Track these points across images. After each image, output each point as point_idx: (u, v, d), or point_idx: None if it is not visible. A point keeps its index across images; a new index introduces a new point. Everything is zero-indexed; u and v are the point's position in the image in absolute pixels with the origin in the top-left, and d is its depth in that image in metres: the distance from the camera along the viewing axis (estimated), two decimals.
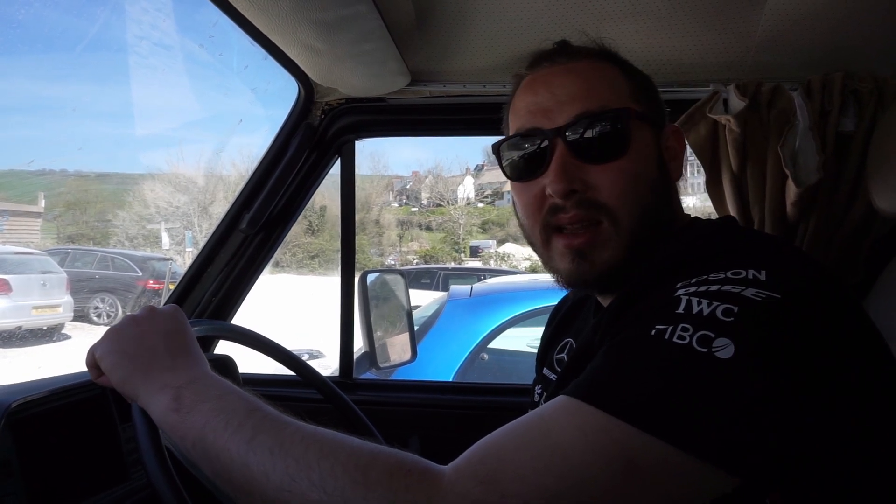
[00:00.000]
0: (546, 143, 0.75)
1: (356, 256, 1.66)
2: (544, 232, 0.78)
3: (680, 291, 0.59)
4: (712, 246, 0.69)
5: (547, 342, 1.04)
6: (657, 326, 0.57)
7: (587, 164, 0.74)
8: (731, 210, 1.25)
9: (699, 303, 0.57)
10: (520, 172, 0.80)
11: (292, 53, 1.21)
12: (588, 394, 0.55)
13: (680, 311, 0.57)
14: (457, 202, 39.66)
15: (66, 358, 8.49)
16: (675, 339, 0.55)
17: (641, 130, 0.77)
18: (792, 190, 1.15)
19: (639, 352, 0.57)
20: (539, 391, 0.97)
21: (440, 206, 40.21)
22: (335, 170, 1.58)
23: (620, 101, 0.76)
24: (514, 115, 0.82)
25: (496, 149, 0.82)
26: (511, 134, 0.81)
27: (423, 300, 4.77)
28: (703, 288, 0.58)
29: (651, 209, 0.75)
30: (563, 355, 0.95)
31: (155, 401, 0.70)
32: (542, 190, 0.76)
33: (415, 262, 30.35)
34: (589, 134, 0.74)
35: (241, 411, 0.66)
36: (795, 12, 1.09)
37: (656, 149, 0.79)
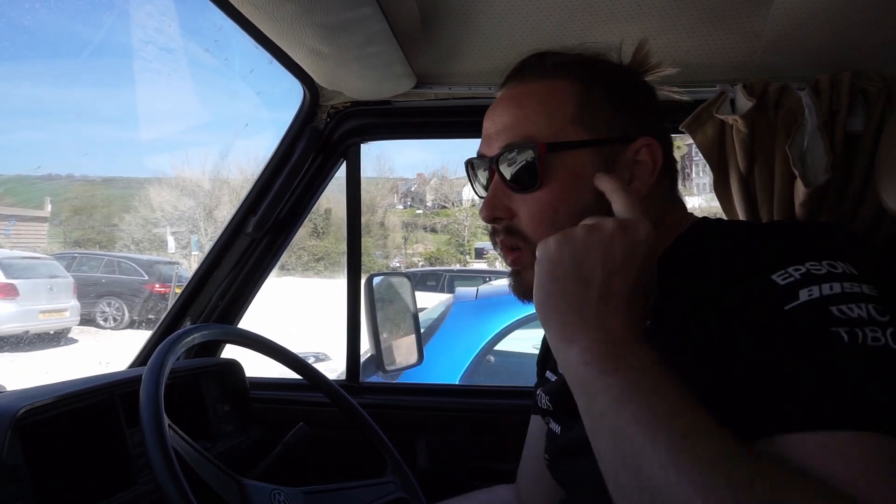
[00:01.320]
0: (487, 170, 0.81)
1: (362, 262, 1.66)
2: (495, 246, 0.84)
3: (805, 296, 0.57)
4: (775, 237, 0.66)
5: (548, 344, 1.03)
6: (838, 329, 0.54)
7: (513, 193, 0.78)
8: (739, 211, 1.24)
9: (849, 308, 0.55)
10: (478, 192, 0.86)
11: (297, 57, 1.21)
12: (854, 419, 0.50)
13: (842, 317, 0.55)
14: (462, 204, 39.69)
15: (74, 362, 8.53)
16: (869, 342, 0.53)
17: (571, 158, 0.75)
18: (801, 190, 1.15)
19: (853, 360, 0.53)
20: (541, 392, 0.96)
21: (445, 207, 40.25)
22: (340, 172, 1.58)
23: (551, 130, 0.76)
24: None
25: (466, 166, 0.87)
26: None
27: (429, 302, 4.76)
28: (826, 288, 0.57)
29: None
30: None
31: (565, 352, 0.59)
32: None
33: (420, 264, 30.37)
34: (511, 165, 0.77)
35: (676, 398, 0.53)
36: (803, 11, 1.08)
37: (598, 171, 0.76)
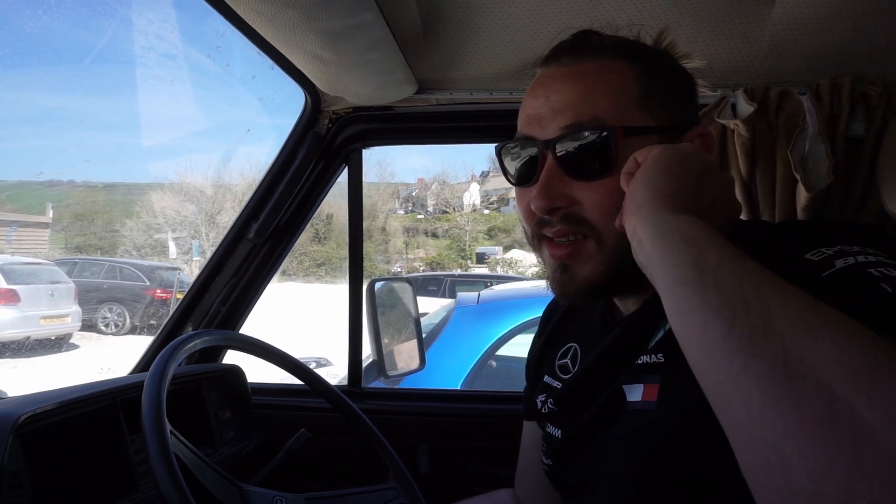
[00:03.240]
0: (537, 153, 0.73)
1: (363, 267, 1.66)
2: (536, 239, 0.78)
3: (841, 263, 0.54)
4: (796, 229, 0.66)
5: (543, 347, 1.00)
6: (881, 284, 0.50)
7: (574, 180, 0.71)
8: (741, 215, 1.24)
9: (888, 269, 0.52)
10: (517, 178, 0.79)
11: (299, 63, 1.21)
12: None
13: (883, 276, 0.51)
14: (462, 209, 39.73)
15: (75, 368, 8.53)
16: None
17: (638, 144, 0.70)
18: (802, 195, 1.15)
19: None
20: (542, 399, 0.93)
21: (446, 212, 40.28)
22: (342, 178, 1.59)
23: (618, 112, 0.71)
24: (519, 116, 0.79)
25: (498, 151, 0.81)
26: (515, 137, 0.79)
27: (431, 307, 4.76)
28: (861, 257, 0.55)
29: None
30: (567, 361, 0.92)
31: (672, 215, 0.59)
32: None
33: (421, 269, 30.38)
34: (576, 149, 0.70)
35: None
36: (803, 16, 1.08)
37: None
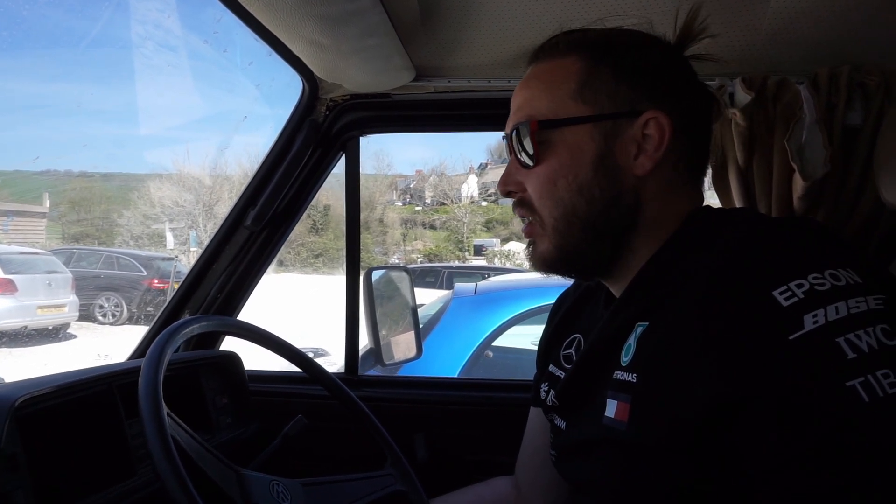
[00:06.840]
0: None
1: (360, 256, 1.66)
2: None
3: (810, 323, 0.57)
4: (766, 245, 0.65)
5: (549, 339, 1.03)
6: (853, 382, 0.53)
7: (522, 169, 0.82)
8: (738, 205, 1.25)
9: (857, 337, 0.55)
10: None
11: (297, 49, 1.21)
12: None
13: (852, 355, 0.54)
14: (460, 201, 39.72)
15: (72, 357, 8.53)
16: (888, 391, 0.52)
17: (569, 133, 0.78)
18: (799, 184, 1.15)
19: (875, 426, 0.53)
20: (545, 388, 0.96)
21: (444, 204, 40.27)
22: (339, 169, 1.58)
23: (552, 107, 0.79)
24: None
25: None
26: None
27: (428, 298, 4.77)
28: (831, 312, 0.56)
29: (577, 210, 0.79)
30: (571, 351, 0.94)
31: None
32: None
33: (419, 260, 30.39)
34: (516, 143, 0.81)
35: None
36: (802, 5, 1.08)
37: (598, 147, 0.77)
